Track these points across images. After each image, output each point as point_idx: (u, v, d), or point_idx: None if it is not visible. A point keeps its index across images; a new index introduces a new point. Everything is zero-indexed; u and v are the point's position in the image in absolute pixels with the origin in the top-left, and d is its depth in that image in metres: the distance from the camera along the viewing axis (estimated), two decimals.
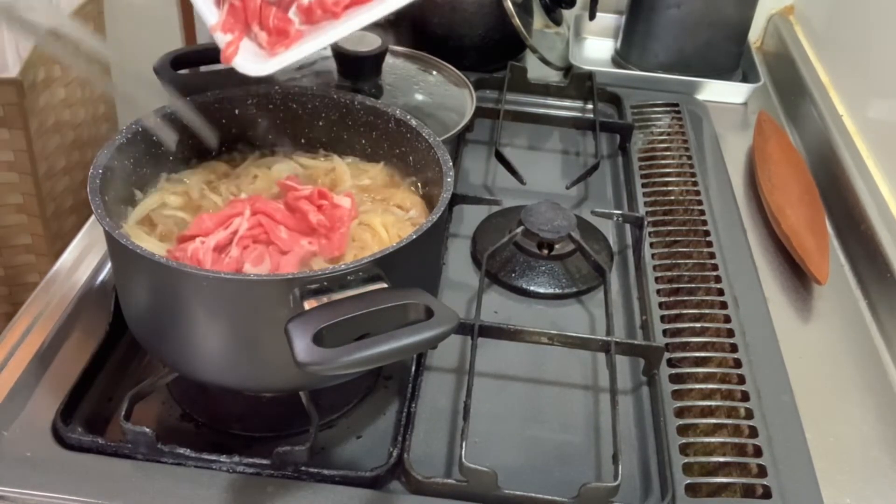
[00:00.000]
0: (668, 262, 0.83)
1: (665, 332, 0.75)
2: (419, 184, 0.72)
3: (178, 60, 0.74)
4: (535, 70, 1.12)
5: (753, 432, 0.66)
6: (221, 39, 0.65)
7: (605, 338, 0.70)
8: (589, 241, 0.82)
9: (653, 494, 0.62)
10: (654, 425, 0.67)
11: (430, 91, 0.92)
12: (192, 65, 0.75)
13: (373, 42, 0.88)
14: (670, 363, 0.72)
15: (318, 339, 0.48)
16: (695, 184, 0.94)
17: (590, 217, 0.87)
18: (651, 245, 0.85)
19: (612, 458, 0.60)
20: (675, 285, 0.80)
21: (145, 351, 0.69)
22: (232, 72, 0.72)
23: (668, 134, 1.04)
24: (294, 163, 0.74)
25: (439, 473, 0.62)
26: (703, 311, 0.78)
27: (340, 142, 0.75)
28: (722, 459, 0.64)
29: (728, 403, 0.69)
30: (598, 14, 1.24)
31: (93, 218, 0.81)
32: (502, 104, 1.02)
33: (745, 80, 1.18)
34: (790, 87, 1.16)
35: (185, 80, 0.73)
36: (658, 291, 0.80)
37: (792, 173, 0.97)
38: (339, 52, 0.87)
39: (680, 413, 0.68)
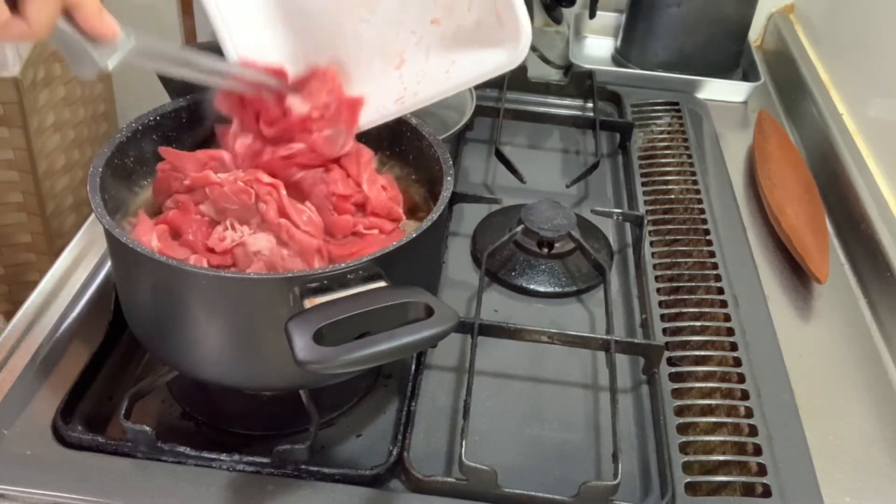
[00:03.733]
0: (668, 260, 0.83)
1: (665, 331, 0.75)
2: (419, 182, 0.71)
3: None
4: (536, 69, 1.12)
5: (753, 431, 0.66)
6: None
7: (604, 336, 0.70)
8: (589, 239, 0.82)
9: (652, 493, 0.62)
10: (654, 424, 0.67)
11: None
12: None
13: None
14: (670, 362, 0.72)
15: (318, 338, 0.48)
16: (695, 182, 0.94)
17: (590, 216, 0.87)
18: (651, 244, 0.85)
19: (611, 456, 0.60)
20: (675, 284, 0.81)
21: (145, 350, 0.69)
22: None
23: (669, 132, 1.04)
24: None
25: (439, 472, 0.62)
26: (702, 309, 0.78)
27: None
28: (722, 458, 0.64)
29: (728, 402, 0.69)
30: (599, 12, 1.24)
31: (92, 216, 0.81)
32: (502, 103, 1.02)
33: (745, 78, 1.18)
34: (790, 85, 1.16)
35: None
36: (658, 290, 0.80)
37: (792, 172, 0.97)
38: None
39: (680, 412, 0.68)
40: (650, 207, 0.91)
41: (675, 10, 1.13)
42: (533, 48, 1.10)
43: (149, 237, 0.61)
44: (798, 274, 0.86)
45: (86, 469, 0.59)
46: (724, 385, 0.70)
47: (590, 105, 1.08)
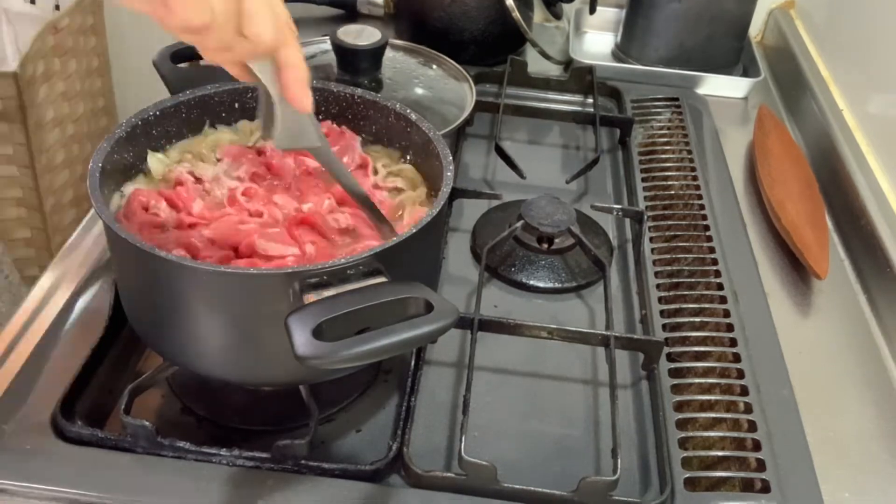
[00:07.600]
0: (667, 256, 0.83)
1: (664, 327, 0.75)
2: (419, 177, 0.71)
3: (177, 54, 0.73)
4: (536, 64, 1.12)
5: (752, 426, 0.66)
6: None
7: (604, 332, 0.70)
8: (589, 235, 0.82)
9: (652, 488, 0.63)
10: (654, 419, 0.67)
11: (429, 85, 0.92)
12: (192, 58, 0.75)
13: (372, 36, 0.88)
14: (670, 357, 0.72)
15: (318, 333, 0.48)
16: (695, 178, 0.94)
17: (589, 211, 0.87)
18: (651, 239, 0.85)
19: (611, 451, 0.60)
20: (675, 280, 0.81)
21: (145, 344, 0.69)
22: None
23: (669, 128, 1.04)
24: None
25: (439, 467, 0.62)
26: (702, 305, 0.78)
27: None
28: (721, 453, 0.64)
29: (727, 398, 0.69)
30: (599, 8, 1.24)
31: (92, 211, 0.81)
32: (502, 98, 1.02)
33: (745, 74, 1.18)
34: (791, 81, 1.16)
35: (184, 73, 0.73)
36: (658, 286, 0.80)
37: (792, 168, 0.97)
38: (339, 46, 0.87)
39: (679, 407, 0.68)
40: (650, 203, 0.91)
41: (676, 5, 1.13)
42: (533, 44, 1.10)
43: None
44: (798, 270, 0.86)
45: (86, 464, 0.59)
46: (723, 381, 0.70)
47: (590, 101, 1.08)
